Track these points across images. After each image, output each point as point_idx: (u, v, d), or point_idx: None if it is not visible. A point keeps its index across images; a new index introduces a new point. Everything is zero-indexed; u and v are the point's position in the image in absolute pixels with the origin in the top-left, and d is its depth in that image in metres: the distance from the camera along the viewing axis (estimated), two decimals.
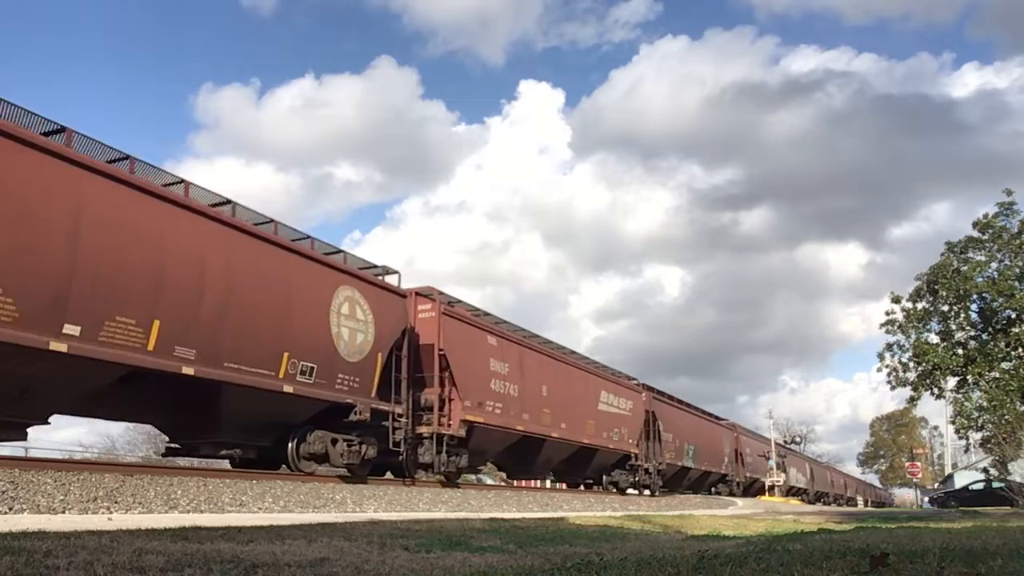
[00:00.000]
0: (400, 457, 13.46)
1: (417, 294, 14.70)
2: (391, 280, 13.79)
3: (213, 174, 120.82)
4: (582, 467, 21.37)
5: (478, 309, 17.31)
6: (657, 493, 25.07)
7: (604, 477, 23.00)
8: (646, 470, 23.88)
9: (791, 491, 46.30)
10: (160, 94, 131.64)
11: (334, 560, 4.29)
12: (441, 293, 15.35)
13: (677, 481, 28.55)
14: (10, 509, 6.72)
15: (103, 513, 7.25)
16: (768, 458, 43.70)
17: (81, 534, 4.70)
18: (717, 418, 35.48)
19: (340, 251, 12.99)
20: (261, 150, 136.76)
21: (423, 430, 13.98)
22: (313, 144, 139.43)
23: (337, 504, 10.32)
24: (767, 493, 41.95)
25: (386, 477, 14.40)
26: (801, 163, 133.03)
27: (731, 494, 33.82)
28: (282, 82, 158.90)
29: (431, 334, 14.36)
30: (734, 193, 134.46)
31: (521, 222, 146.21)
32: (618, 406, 22.42)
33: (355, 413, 12.02)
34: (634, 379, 25.15)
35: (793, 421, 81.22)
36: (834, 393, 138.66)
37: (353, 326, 12.02)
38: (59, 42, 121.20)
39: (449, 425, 14.41)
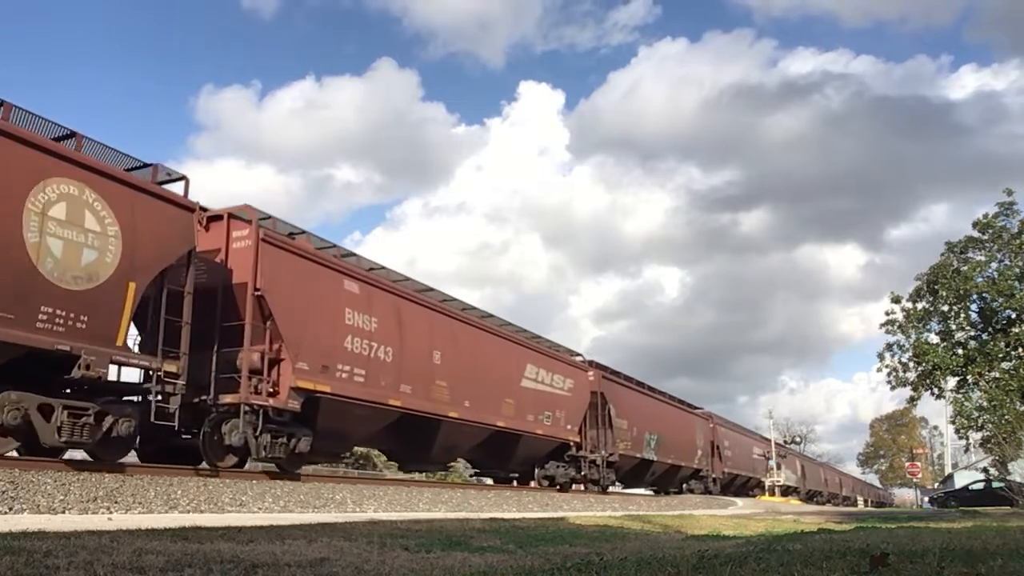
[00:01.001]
0: (186, 436, 10.48)
1: (231, 216, 11.17)
2: (176, 190, 10.09)
3: (213, 175, 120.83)
4: (503, 457, 17.86)
5: (336, 246, 13.43)
6: (611, 489, 22.70)
7: (536, 470, 19.32)
8: (592, 462, 20.45)
9: (768, 487, 44.22)
10: (161, 96, 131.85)
11: (334, 560, 4.29)
12: (268, 217, 11.93)
13: (637, 476, 25.55)
14: (10, 509, 6.72)
15: (103, 513, 7.25)
16: (768, 457, 43.63)
17: (81, 534, 4.70)
18: (690, 406, 31.61)
19: (72, 134, 9.09)
20: (262, 152, 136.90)
21: (228, 399, 10.46)
22: (314, 145, 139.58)
23: (337, 504, 10.32)
24: (767, 493, 41.90)
25: (181, 466, 10.55)
26: (799, 164, 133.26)
27: (706, 492, 30.83)
28: (283, 84, 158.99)
29: (245, 269, 10.71)
30: (733, 194, 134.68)
31: (520, 223, 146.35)
32: (552, 384, 18.81)
33: (82, 367, 8.37)
34: (579, 354, 21.74)
35: (793, 421, 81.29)
36: (834, 393, 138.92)
37: (75, 238, 8.38)
38: (60, 44, 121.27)
39: (273, 394, 10.86)
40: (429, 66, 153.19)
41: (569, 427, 19.62)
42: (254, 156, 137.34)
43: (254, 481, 10.13)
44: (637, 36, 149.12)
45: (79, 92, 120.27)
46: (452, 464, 16.92)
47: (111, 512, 7.36)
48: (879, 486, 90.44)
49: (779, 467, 43.81)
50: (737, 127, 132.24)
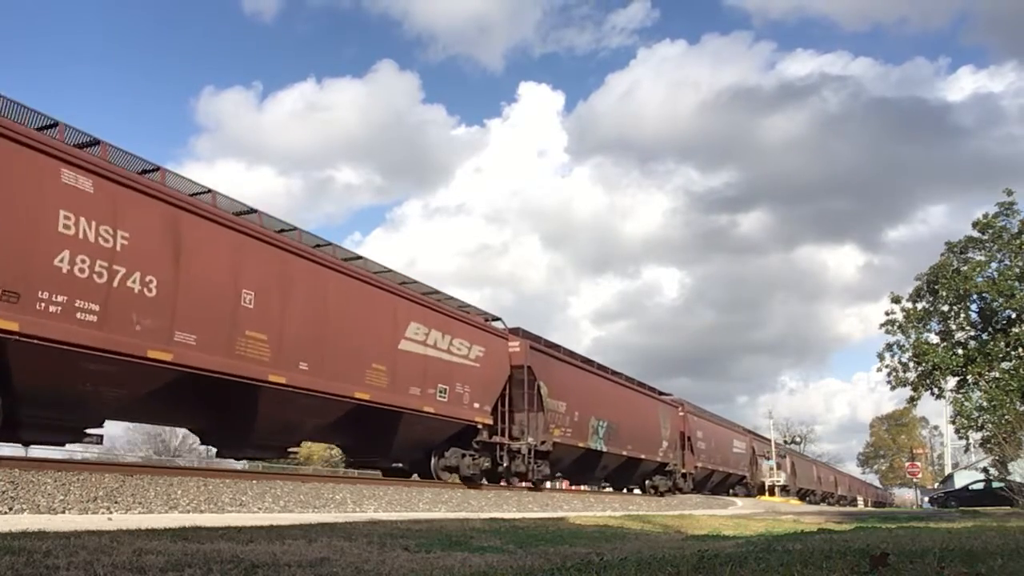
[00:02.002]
0: None
1: None
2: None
3: (214, 176, 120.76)
4: (378, 441, 13.76)
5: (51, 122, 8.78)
6: (549, 486, 20.04)
7: (433, 459, 15.03)
8: (515, 451, 16.73)
9: (768, 487, 42.13)
10: (161, 96, 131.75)
11: (334, 560, 4.29)
12: None
13: (583, 470, 22.01)
14: (10, 509, 6.72)
15: (103, 513, 7.25)
16: (767, 456, 43.47)
17: (81, 534, 4.70)
18: (654, 391, 27.10)
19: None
20: (263, 153, 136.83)
21: None
22: (314, 147, 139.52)
23: (337, 504, 10.32)
24: (767, 493, 41.74)
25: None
26: (798, 166, 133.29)
27: (675, 489, 26.99)
28: (284, 86, 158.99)
29: None
30: (731, 195, 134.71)
31: (520, 224, 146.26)
32: (452, 351, 14.80)
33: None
34: (498, 318, 17.47)
35: (793, 421, 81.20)
36: (833, 393, 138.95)
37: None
38: (61, 44, 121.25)
39: None
40: (429, 69, 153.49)
41: (477, 406, 15.39)
42: (255, 158, 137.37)
43: (254, 481, 10.14)
44: (636, 39, 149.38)
45: (80, 92, 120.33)
46: (294, 450, 12.53)
47: (111, 512, 7.37)
48: (879, 486, 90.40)
49: (757, 462, 41.09)
50: (735, 129, 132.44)
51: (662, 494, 25.76)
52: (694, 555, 4.63)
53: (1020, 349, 21.63)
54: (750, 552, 5.10)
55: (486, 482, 16.55)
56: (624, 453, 22.36)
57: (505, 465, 16.58)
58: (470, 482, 15.55)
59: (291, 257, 11.21)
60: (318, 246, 12.34)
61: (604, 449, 20.86)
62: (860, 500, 69.57)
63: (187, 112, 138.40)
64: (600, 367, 22.61)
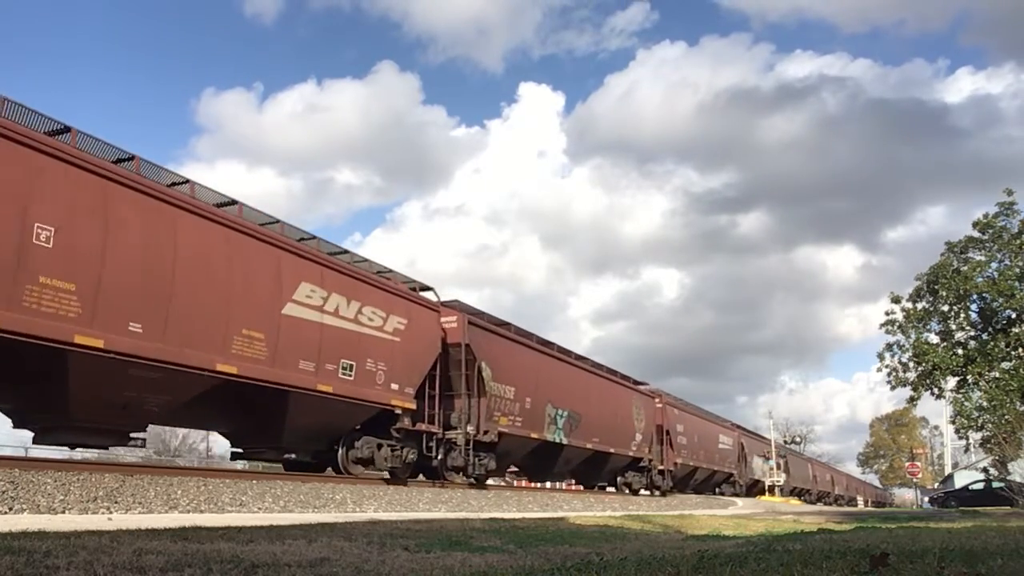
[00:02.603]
0: None
1: None
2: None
3: (214, 177, 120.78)
4: (263, 426, 11.56)
5: None
6: (502, 483, 19.11)
7: (340, 450, 12.79)
8: (449, 442, 14.74)
9: (756, 485, 40.20)
10: (162, 97, 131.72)
11: (334, 560, 4.29)
12: None
13: (541, 464, 19.82)
14: (10, 509, 6.72)
15: (103, 513, 7.26)
16: (768, 458, 43.40)
17: (81, 534, 4.70)
18: (628, 379, 24.47)
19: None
20: (263, 154, 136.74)
21: None
22: (314, 148, 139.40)
23: (337, 504, 10.33)
24: (767, 493, 41.68)
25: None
26: (797, 167, 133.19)
27: (652, 487, 25.15)
28: (284, 87, 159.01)
29: None
30: (730, 196, 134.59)
31: (519, 225, 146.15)
32: (361, 321, 12.45)
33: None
34: (429, 288, 14.98)
35: (792, 421, 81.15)
36: (832, 394, 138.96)
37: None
38: (62, 45, 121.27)
39: None
40: (429, 70, 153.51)
41: (395, 387, 13.07)
42: (256, 158, 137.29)
43: (254, 481, 10.14)
44: (635, 41, 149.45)
45: (81, 92, 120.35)
46: (139, 435, 10.29)
47: (111, 512, 7.37)
48: (879, 486, 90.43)
49: (747, 459, 39.03)
50: (734, 130, 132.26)
51: (636, 492, 24.00)
52: (694, 555, 4.63)
53: (1020, 349, 21.64)
54: (750, 552, 5.10)
55: (422, 478, 14.91)
56: (589, 446, 20.20)
57: (440, 458, 14.50)
58: (393, 479, 13.34)
59: (118, 189, 8.76)
60: (174, 184, 10.00)
61: (564, 441, 18.81)
62: (860, 500, 69.55)
63: (187, 113, 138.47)
64: (562, 350, 20.13)
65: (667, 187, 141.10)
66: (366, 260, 13.55)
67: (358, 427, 12.95)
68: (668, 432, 26.36)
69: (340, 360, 11.99)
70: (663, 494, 25.38)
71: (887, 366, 23.99)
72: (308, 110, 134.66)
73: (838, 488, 62.06)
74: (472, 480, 15.47)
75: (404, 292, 13.96)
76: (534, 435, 17.35)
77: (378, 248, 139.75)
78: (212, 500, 8.69)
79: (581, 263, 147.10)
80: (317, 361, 11.49)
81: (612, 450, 21.68)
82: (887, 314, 24.12)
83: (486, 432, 15.27)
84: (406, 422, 13.48)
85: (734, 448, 35.72)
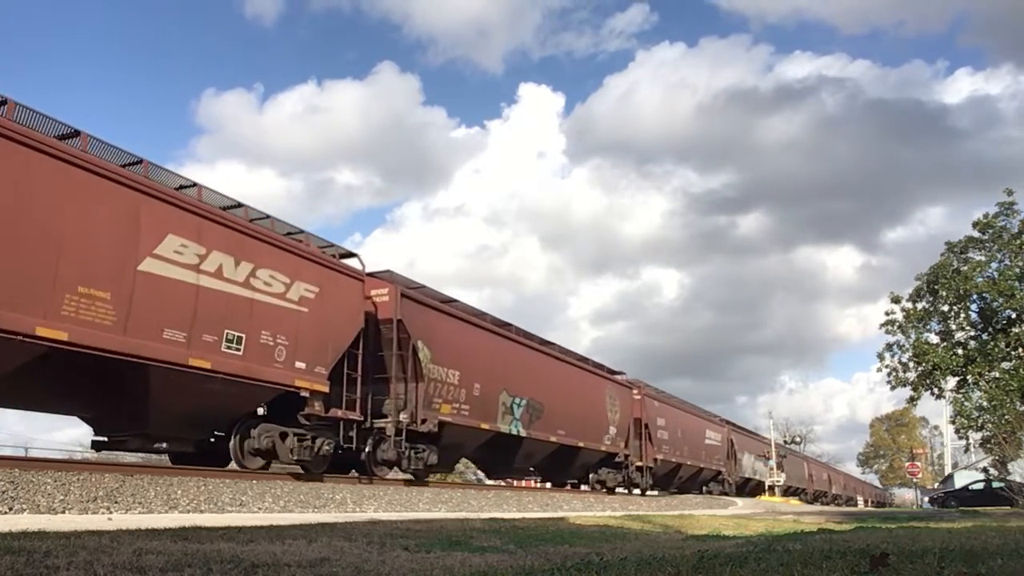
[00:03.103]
0: None
1: None
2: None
3: (215, 177, 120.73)
4: (121, 406, 9.77)
5: None
6: (443, 478, 17.75)
7: (233, 440, 10.84)
8: (378, 431, 13.02)
9: (747, 484, 38.31)
10: (162, 98, 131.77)
11: (334, 560, 4.29)
12: None
13: (498, 458, 17.74)
14: (10, 509, 6.73)
15: (103, 513, 7.26)
16: (769, 458, 43.34)
17: (81, 534, 4.70)
18: (601, 368, 22.58)
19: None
20: (263, 155, 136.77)
21: None
22: (315, 149, 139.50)
23: (337, 504, 10.33)
24: (767, 493, 41.62)
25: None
26: (796, 167, 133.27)
27: (628, 484, 23.47)
28: (284, 88, 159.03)
29: None
30: (730, 197, 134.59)
31: (519, 225, 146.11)
32: (255, 285, 10.53)
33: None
34: (352, 254, 13.05)
35: (792, 422, 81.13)
36: (832, 394, 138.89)
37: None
38: (64, 45, 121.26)
39: None
40: (429, 72, 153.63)
41: (302, 366, 11.16)
42: (256, 159, 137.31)
43: (254, 481, 10.14)
44: (634, 43, 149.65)
45: (81, 93, 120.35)
46: None
47: (111, 512, 7.37)
48: (879, 486, 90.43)
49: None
50: (733, 130, 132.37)
51: (612, 491, 22.20)
52: (694, 555, 4.63)
53: (1020, 349, 21.65)
54: (750, 552, 5.10)
55: (354, 473, 13.22)
56: (554, 440, 18.38)
57: (368, 450, 12.81)
58: (305, 473, 11.68)
59: None
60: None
61: (523, 434, 16.90)
62: (860, 500, 69.52)
63: (188, 114, 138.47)
64: (523, 333, 18.14)
65: (666, 188, 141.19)
66: (268, 217, 11.40)
67: (257, 412, 10.98)
68: (647, 426, 24.22)
69: (224, 331, 9.93)
70: (642, 492, 23.79)
71: (887, 366, 24.02)
72: (308, 111, 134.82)
73: (835, 487, 61.11)
74: (410, 476, 13.94)
75: (315, 255, 11.71)
76: (485, 425, 15.44)
77: (378, 248, 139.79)
78: (212, 500, 8.69)
79: (581, 263, 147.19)
80: (190, 330, 9.46)
81: (581, 444, 19.77)
82: (887, 314, 24.16)
83: (424, 421, 13.48)
84: (316, 407, 11.42)
85: (722, 444, 33.65)
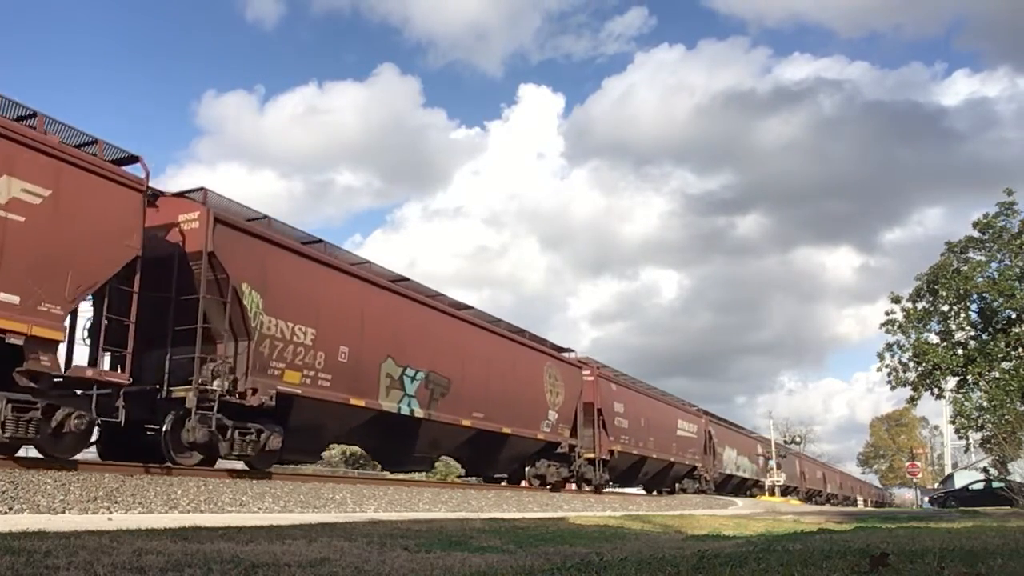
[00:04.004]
0: None
1: None
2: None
3: (215, 178, 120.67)
4: None
5: None
6: (279, 470, 12.43)
7: None
8: (175, 405, 9.80)
9: (728, 481, 35.53)
10: (163, 99, 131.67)
11: (334, 560, 4.29)
12: None
13: (391, 446, 14.31)
14: (10, 509, 6.73)
15: (103, 513, 7.26)
16: (769, 457, 43.30)
17: (81, 534, 4.70)
18: (541, 343, 19.21)
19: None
20: (264, 156, 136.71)
21: None
22: (315, 150, 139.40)
23: (337, 504, 10.33)
24: (767, 493, 41.59)
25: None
26: (794, 168, 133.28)
27: (578, 479, 20.23)
28: (285, 89, 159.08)
29: None
30: (728, 198, 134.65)
31: (518, 227, 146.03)
32: None
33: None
34: (133, 158, 9.46)
35: (792, 422, 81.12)
36: (831, 394, 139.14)
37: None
38: (65, 46, 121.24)
39: None
40: (430, 74, 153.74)
41: (14, 300, 7.84)
42: (256, 161, 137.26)
43: (254, 481, 10.14)
44: (633, 46, 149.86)
45: (82, 93, 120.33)
46: None
47: (111, 512, 7.37)
48: (879, 486, 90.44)
49: (714, 449, 32.56)
50: (731, 132, 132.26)
51: (557, 488, 18.97)
52: (694, 555, 4.63)
53: (1020, 349, 21.65)
54: (750, 552, 5.10)
55: (128, 462, 9.50)
56: (467, 424, 14.99)
57: (166, 429, 9.75)
58: (52, 459, 8.65)
59: None
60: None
61: (420, 414, 13.69)
62: (860, 500, 69.52)
63: (188, 115, 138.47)
64: (423, 290, 14.93)
65: (665, 189, 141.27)
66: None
67: None
68: (601, 411, 20.78)
69: None
70: (596, 489, 20.81)
71: (887, 366, 24.02)
72: (309, 112, 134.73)
73: (830, 486, 59.54)
74: (245, 465, 11.18)
75: (45, 145, 8.27)
76: (358, 402, 12.08)
77: (378, 249, 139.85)
78: (212, 500, 8.69)
79: (580, 264, 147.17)
80: None
81: (509, 431, 16.31)
82: (887, 314, 24.16)
83: (254, 391, 10.23)
84: (45, 362, 8.11)
85: (699, 437, 30.06)
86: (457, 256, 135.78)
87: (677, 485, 29.28)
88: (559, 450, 18.97)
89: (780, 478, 42.86)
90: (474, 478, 19.13)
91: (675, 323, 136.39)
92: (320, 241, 12.73)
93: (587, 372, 20.99)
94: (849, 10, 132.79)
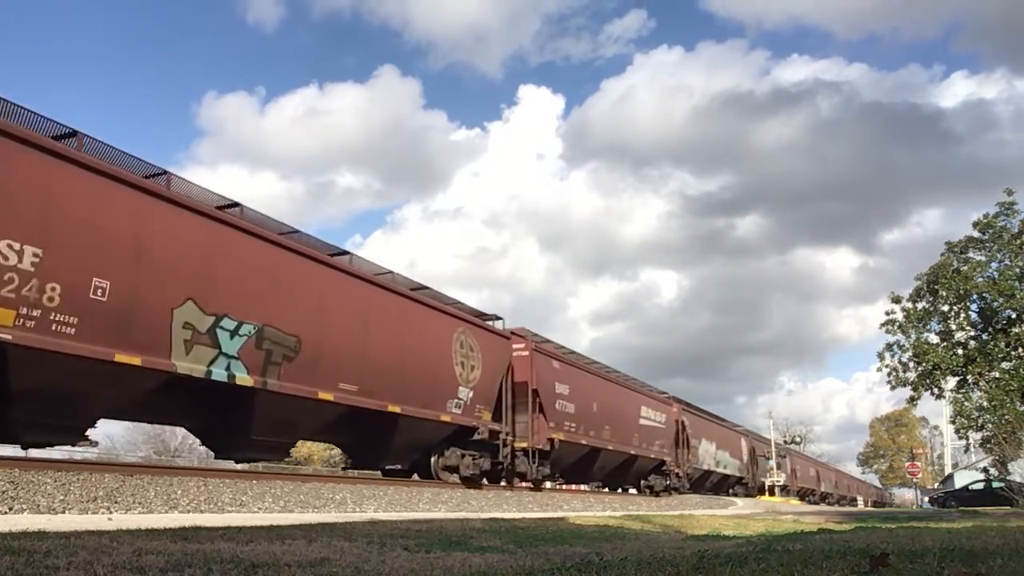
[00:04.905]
0: None
1: None
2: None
3: (215, 179, 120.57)
4: None
5: None
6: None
7: None
8: None
9: (707, 478, 32.26)
10: (164, 100, 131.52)
11: (334, 560, 4.29)
12: None
13: (219, 427, 10.93)
14: (10, 509, 6.72)
15: (103, 513, 7.26)
16: (769, 458, 43.16)
17: (81, 534, 4.70)
18: (458, 307, 15.70)
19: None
20: (265, 158, 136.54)
21: None
22: (316, 152, 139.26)
23: (337, 504, 10.33)
24: (767, 493, 41.49)
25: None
26: (793, 169, 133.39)
27: (509, 475, 16.79)
28: (286, 91, 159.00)
29: None
30: (727, 199, 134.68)
31: (518, 227, 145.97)
32: None
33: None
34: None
35: (792, 422, 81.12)
36: (831, 394, 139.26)
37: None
38: (66, 47, 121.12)
39: None
40: (430, 76, 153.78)
41: None
42: (257, 162, 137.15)
43: (254, 481, 10.14)
44: (632, 48, 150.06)
45: (83, 94, 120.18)
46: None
47: (111, 512, 7.37)
48: (879, 486, 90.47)
49: (687, 443, 30.04)
50: (730, 133, 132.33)
51: (476, 484, 15.23)
52: (694, 555, 4.63)
53: (1020, 349, 21.66)
54: (750, 552, 5.10)
55: None
56: (332, 399, 11.38)
57: None
58: None
59: None
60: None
61: (251, 383, 10.15)
62: (860, 500, 69.53)
63: (189, 116, 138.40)
64: (285, 231, 11.56)
65: (663, 190, 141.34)
66: None
67: None
68: (536, 391, 17.28)
69: None
70: (534, 486, 17.68)
71: (887, 366, 24.03)
72: (309, 114, 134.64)
73: (825, 485, 56.98)
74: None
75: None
76: (127, 358, 8.62)
77: (378, 249, 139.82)
78: (212, 500, 8.69)
79: (580, 265, 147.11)
80: None
81: (398, 410, 12.77)
82: (887, 314, 24.17)
83: None
84: None
85: (668, 427, 26.44)
86: (457, 257, 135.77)
87: (643, 482, 25.36)
88: (477, 436, 15.21)
89: (780, 478, 42.65)
90: (382, 471, 15.62)
91: (675, 323, 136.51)
92: (74, 135, 8.79)
93: (520, 346, 17.48)
94: (847, 12, 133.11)
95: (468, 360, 15.20)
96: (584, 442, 19.64)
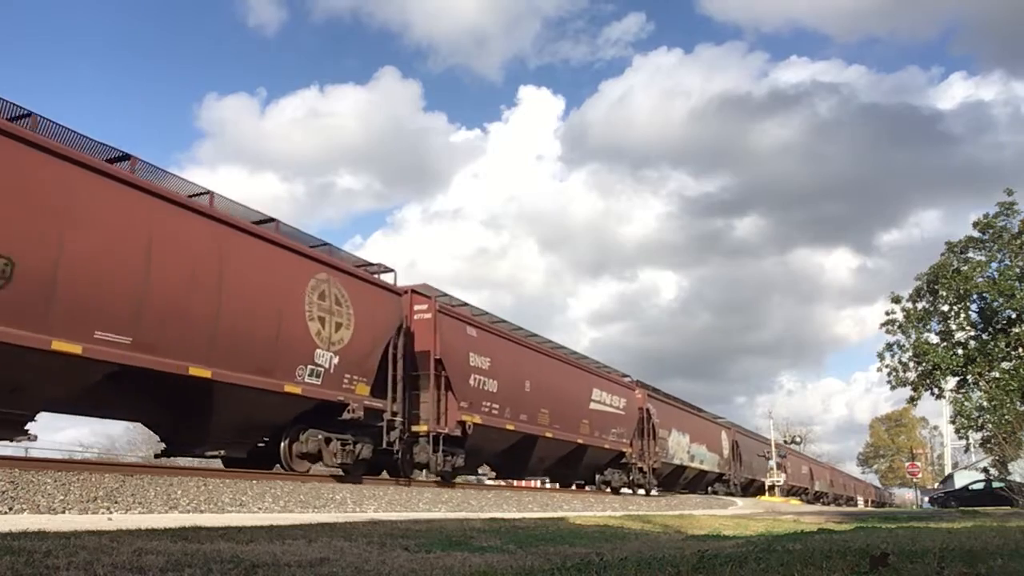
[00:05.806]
0: None
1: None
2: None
3: (216, 180, 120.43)
4: None
5: None
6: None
7: None
8: None
9: (680, 474, 28.62)
10: (164, 101, 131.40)
11: (334, 560, 4.29)
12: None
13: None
14: (10, 509, 6.72)
15: (103, 513, 7.25)
16: (768, 457, 43.11)
17: (81, 534, 4.70)
18: (324, 249, 12.42)
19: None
20: (265, 159, 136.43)
21: None
22: (316, 153, 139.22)
23: (337, 504, 10.33)
24: (767, 493, 41.49)
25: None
26: (791, 171, 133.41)
27: (403, 464, 13.67)
28: (286, 93, 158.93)
29: None
30: (726, 200, 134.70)
31: (517, 229, 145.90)
32: None
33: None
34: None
35: (792, 422, 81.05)
36: (830, 394, 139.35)
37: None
38: (66, 48, 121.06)
39: None
40: (430, 78, 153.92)
41: None
42: (258, 163, 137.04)
43: (254, 481, 10.13)
44: (630, 51, 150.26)
45: (83, 95, 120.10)
46: None
47: (111, 512, 7.36)
48: (879, 486, 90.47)
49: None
50: (728, 135, 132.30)
51: (350, 474, 12.29)
52: (694, 555, 4.62)
53: (1020, 349, 21.64)
54: (750, 552, 5.10)
55: None
56: (74, 351, 7.89)
57: None
58: None
59: None
60: None
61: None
62: (860, 500, 69.51)
63: (189, 117, 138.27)
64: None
65: (662, 191, 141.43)
66: None
67: None
68: (441, 362, 14.12)
69: None
70: (445, 481, 14.56)
71: (887, 366, 23.99)
72: (310, 115, 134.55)
73: (819, 483, 54.10)
74: None
75: None
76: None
77: (378, 250, 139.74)
78: (212, 500, 8.69)
79: (579, 265, 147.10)
80: None
81: (207, 375, 9.47)
82: (887, 314, 24.14)
83: None
84: None
85: (628, 414, 22.88)
86: (457, 258, 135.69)
87: (598, 477, 22.30)
88: (347, 415, 11.95)
89: (780, 478, 42.54)
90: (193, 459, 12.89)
91: (674, 324, 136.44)
92: None
93: (423, 306, 14.25)
94: (845, 15, 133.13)
95: (332, 316, 11.63)
96: (511, 427, 16.10)
